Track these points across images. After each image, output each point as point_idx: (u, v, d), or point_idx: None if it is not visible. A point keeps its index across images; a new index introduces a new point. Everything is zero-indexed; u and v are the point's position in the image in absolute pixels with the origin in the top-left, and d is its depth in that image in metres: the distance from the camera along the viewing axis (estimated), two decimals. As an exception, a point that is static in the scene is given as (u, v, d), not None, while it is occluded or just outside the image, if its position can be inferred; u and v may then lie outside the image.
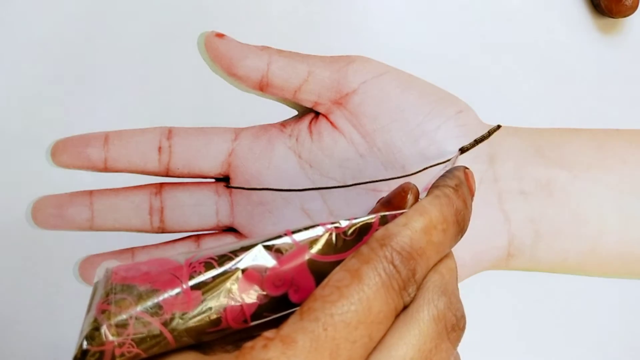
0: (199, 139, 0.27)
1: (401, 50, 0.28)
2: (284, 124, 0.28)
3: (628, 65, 0.30)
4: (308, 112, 0.28)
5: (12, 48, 0.28)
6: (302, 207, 0.27)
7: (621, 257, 0.25)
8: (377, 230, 0.19)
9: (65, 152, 0.27)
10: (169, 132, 0.27)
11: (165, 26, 0.28)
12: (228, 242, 0.19)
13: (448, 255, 0.20)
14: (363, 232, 0.20)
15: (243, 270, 0.19)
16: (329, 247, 0.19)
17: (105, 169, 0.27)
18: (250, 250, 0.19)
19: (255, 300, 0.19)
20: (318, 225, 0.19)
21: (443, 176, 0.21)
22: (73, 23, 0.28)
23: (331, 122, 0.27)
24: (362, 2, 0.29)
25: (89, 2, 0.28)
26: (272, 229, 0.27)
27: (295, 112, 0.28)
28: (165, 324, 0.18)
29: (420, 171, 0.26)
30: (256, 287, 0.19)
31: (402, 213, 0.20)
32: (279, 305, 0.19)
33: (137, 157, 0.27)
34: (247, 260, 0.19)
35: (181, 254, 0.20)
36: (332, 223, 0.20)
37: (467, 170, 0.22)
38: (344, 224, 0.20)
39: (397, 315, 0.18)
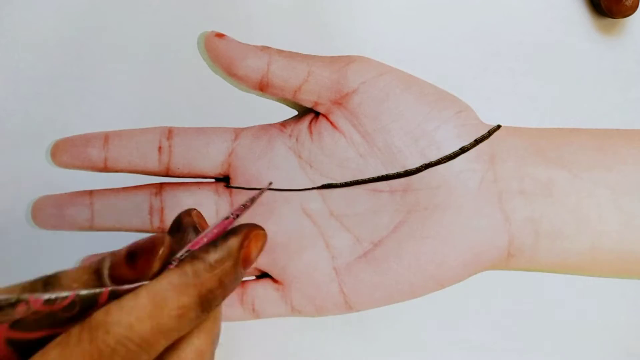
0: (199, 139, 0.27)
1: (401, 50, 0.28)
2: (284, 124, 0.28)
3: (628, 65, 0.30)
4: (308, 112, 0.28)
5: (12, 48, 0.28)
6: (302, 207, 0.27)
7: (621, 257, 0.25)
8: (100, 307, 0.17)
9: (65, 152, 0.27)
10: (169, 132, 0.27)
11: (165, 26, 0.28)
12: None
13: (200, 331, 0.19)
14: (87, 306, 0.17)
15: None
16: (33, 323, 0.17)
17: (105, 169, 0.27)
18: None
19: None
20: (24, 300, 0.16)
21: (210, 244, 0.19)
22: (73, 23, 0.28)
23: (331, 122, 0.27)
24: (362, 2, 0.29)
25: (89, 2, 0.28)
26: (272, 228, 0.27)
27: (295, 112, 0.28)
28: None
29: (420, 170, 0.26)
30: None
31: (134, 288, 0.18)
32: None
33: (137, 157, 0.27)
34: None
35: None
36: (43, 297, 0.17)
37: (255, 233, 0.20)
38: (57, 300, 0.17)
39: None
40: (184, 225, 0.21)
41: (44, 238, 0.28)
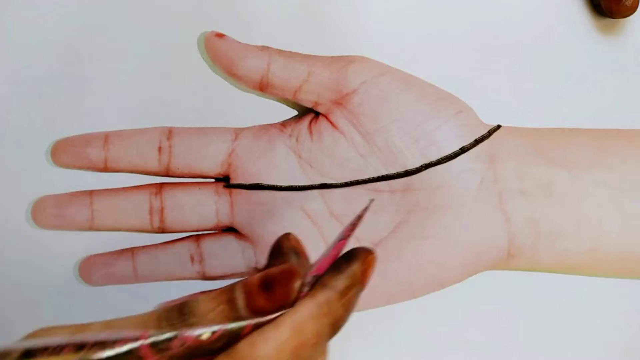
0: (199, 139, 0.27)
1: (401, 50, 0.28)
2: (284, 124, 0.28)
3: (628, 65, 0.30)
4: (308, 112, 0.28)
5: (12, 48, 0.28)
6: (302, 207, 0.27)
7: (621, 257, 0.25)
8: (244, 339, 0.18)
9: (65, 152, 0.27)
10: (169, 132, 0.27)
11: (165, 26, 0.28)
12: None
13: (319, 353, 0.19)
14: (232, 338, 0.18)
15: None
16: (183, 355, 0.18)
17: (105, 169, 0.27)
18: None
19: None
20: (179, 336, 0.18)
21: (336, 270, 0.20)
22: (73, 23, 0.28)
23: (331, 122, 0.27)
24: (362, 2, 0.29)
25: (89, 2, 0.28)
26: (272, 228, 0.27)
27: (295, 112, 0.28)
28: None
29: (420, 170, 0.26)
30: None
31: (275, 318, 0.18)
32: None
33: (137, 157, 0.27)
34: None
35: None
36: (195, 333, 0.18)
37: (370, 257, 0.20)
38: (205, 335, 0.18)
39: None
40: (284, 249, 0.21)
41: (44, 238, 0.28)
